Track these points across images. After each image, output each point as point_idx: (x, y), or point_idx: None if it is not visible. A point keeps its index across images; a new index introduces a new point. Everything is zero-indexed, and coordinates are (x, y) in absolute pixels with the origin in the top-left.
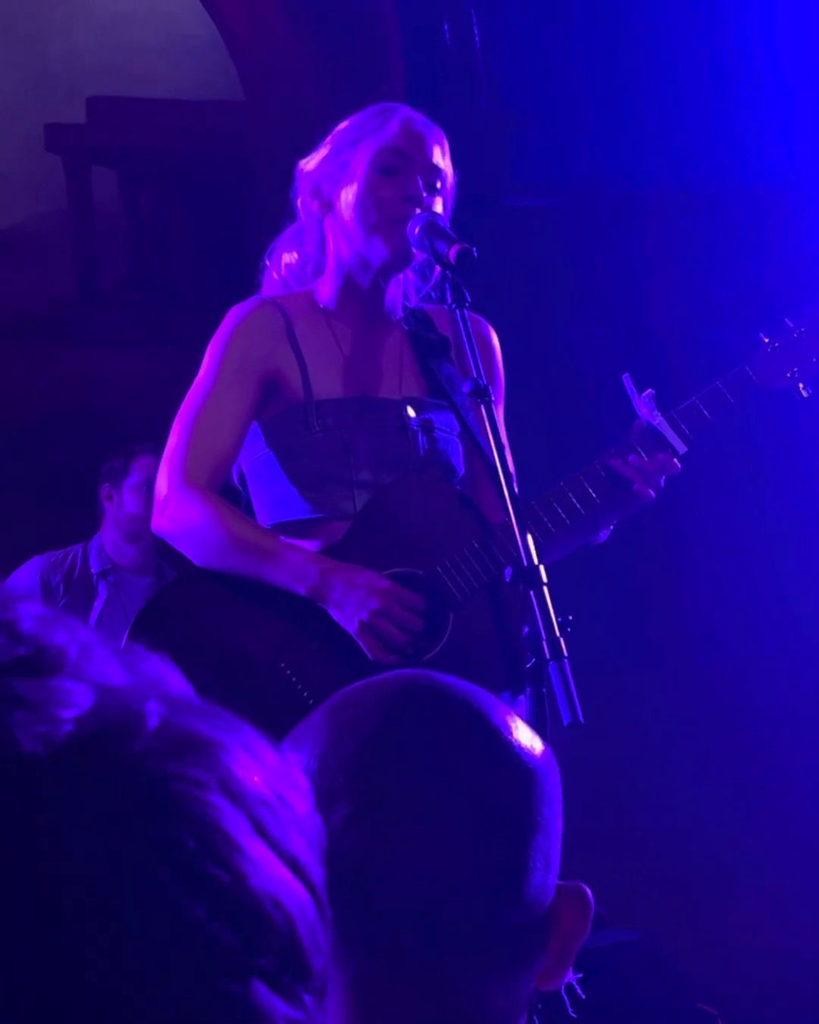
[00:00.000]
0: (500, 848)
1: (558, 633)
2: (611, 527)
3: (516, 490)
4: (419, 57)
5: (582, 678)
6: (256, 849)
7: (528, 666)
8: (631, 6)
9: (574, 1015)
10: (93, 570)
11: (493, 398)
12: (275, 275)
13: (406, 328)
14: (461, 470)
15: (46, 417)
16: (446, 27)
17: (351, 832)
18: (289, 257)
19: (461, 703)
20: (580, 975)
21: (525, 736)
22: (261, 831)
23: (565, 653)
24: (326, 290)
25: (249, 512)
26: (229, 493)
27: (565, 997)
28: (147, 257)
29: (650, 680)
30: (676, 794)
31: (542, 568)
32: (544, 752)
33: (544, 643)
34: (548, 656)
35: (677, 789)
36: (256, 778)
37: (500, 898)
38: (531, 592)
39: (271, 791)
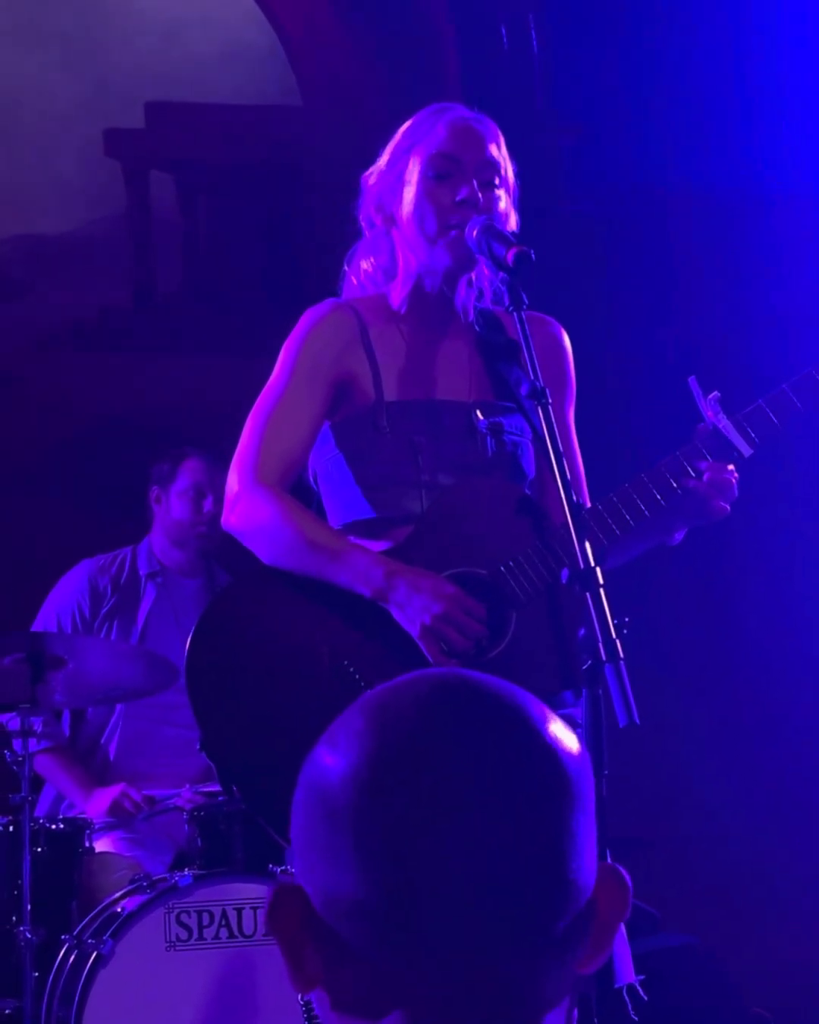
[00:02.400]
0: (542, 833)
1: (614, 635)
2: (685, 529)
3: (583, 492)
4: (476, 62)
5: (639, 682)
6: None
7: (585, 667)
8: (689, 9)
9: (635, 1018)
10: (142, 572)
11: (565, 400)
12: (354, 280)
13: (477, 331)
14: (531, 473)
15: (100, 423)
16: (503, 31)
17: (404, 827)
18: (366, 264)
19: (494, 697)
20: (643, 977)
21: (559, 728)
22: None
23: (621, 655)
24: (398, 294)
25: (321, 513)
26: (303, 493)
27: (627, 999)
28: (204, 264)
29: (707, 686)
30: (733, 800)
31: (599, 570)
32: (581, 751)
33: (600, 645)
34: (604, 658)
35: (731, 795)
36: None
37: (550, 889)
38: (587, 594)
39: None
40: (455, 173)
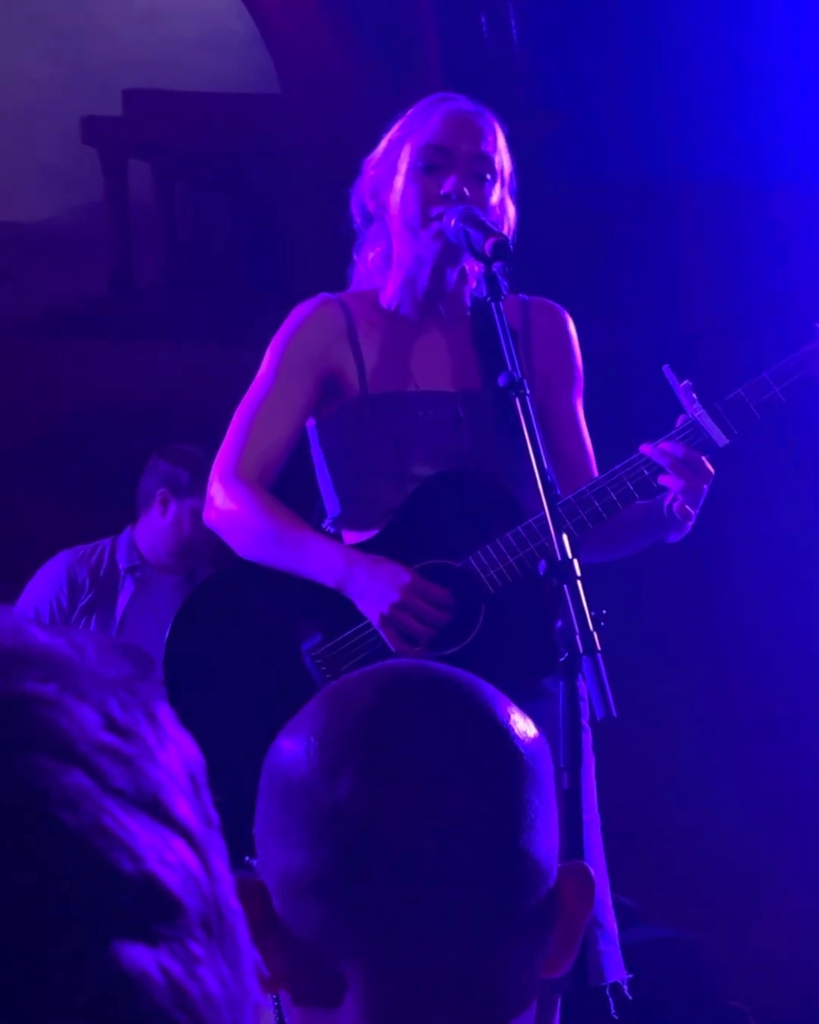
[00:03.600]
0: (494, 809)
1: (592, 627)
2: (685, 529)
3: (595, 475)
4: (456, 52)
5: (621, 677)
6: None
7: (562, 660)
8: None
9: (616, 1017)
10: (121, 566)
11: (574, 389)
12: (362, 268)
13: (473, 321)
14: (515, 465)
15: (77, 412)
16: (484, 22)
17: (355, 803)
18: (372, 253)
19: (449, 681)
20: (631, 976)
21: (514, 712)
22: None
23: (598, 647)
24: (389, 287)
25: (322, 509)
26: (282, 491)
27: (610, 997)
28: (182, 252)
29: (689, 680)
30: (712, 793)
31: (576, 562)
32: (537, 737)
33: (577, 637)
34: (581, 650)
35: (713, 788)
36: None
37: (497, 862)
38: (565, 586)
39: (113, 740)
40: (444, 165)
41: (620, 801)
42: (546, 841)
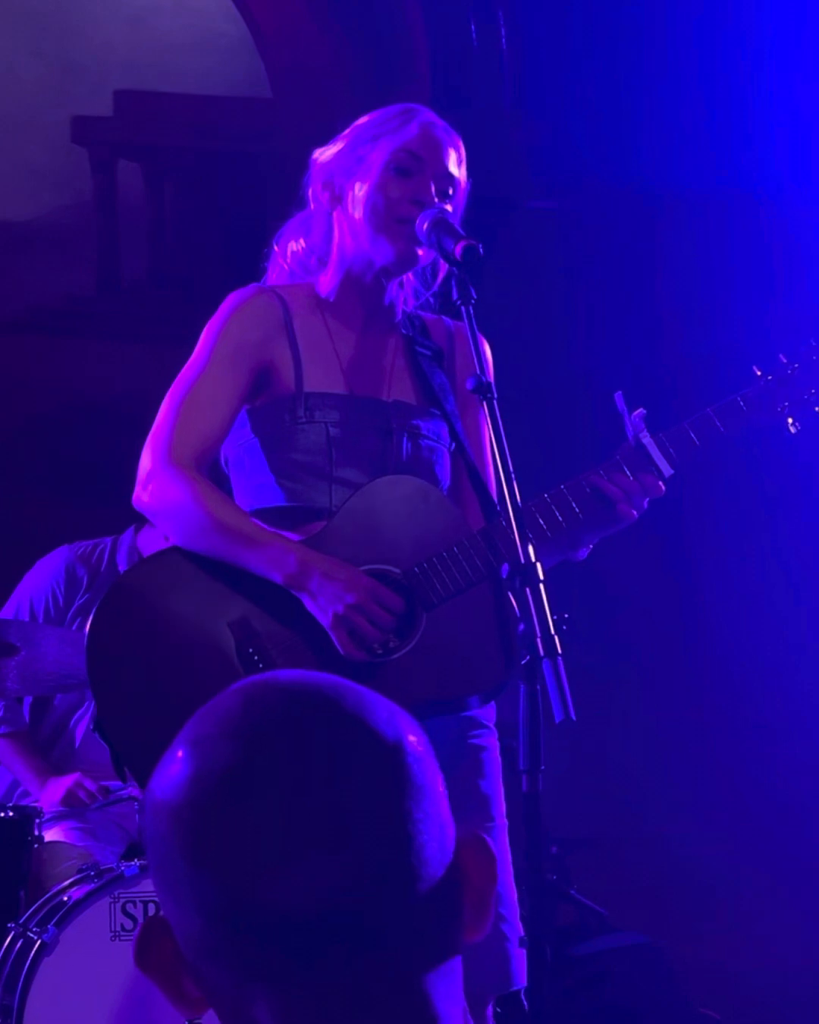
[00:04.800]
0: (380, 822)
1: (553, 631)
2: (591, 545)
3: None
4: (445, 57)
5: (592, 685)
6: None
7: (523, 662)
8: (656, 10)
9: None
10: (120, 567)
11: (482, 413)
12: (282, 262)
13: (403, 333)
14: (445, 480)
15: (63, 409)
16: (473, 28)
17: (237, 832)
18: (296, 245)
19: (308, 694)
20: (526, 985)
21: (382, 711)
22: None
23: (559, 651)
24: (327, 283)
25: (229, 497)
26: (216, 477)
27: (525, 1000)
28: (169, 253)
29: (659, 688)
30: (682, 800)
31: (539, 565)
32: (406, 721)
33: (539, 640)
34: (542, 653)
35: (683, 795)
36: None
37: (396, 869)
38: (527, 589)
39: None
40: (417, 173)
41: (592, 809)
42: (439, 827)
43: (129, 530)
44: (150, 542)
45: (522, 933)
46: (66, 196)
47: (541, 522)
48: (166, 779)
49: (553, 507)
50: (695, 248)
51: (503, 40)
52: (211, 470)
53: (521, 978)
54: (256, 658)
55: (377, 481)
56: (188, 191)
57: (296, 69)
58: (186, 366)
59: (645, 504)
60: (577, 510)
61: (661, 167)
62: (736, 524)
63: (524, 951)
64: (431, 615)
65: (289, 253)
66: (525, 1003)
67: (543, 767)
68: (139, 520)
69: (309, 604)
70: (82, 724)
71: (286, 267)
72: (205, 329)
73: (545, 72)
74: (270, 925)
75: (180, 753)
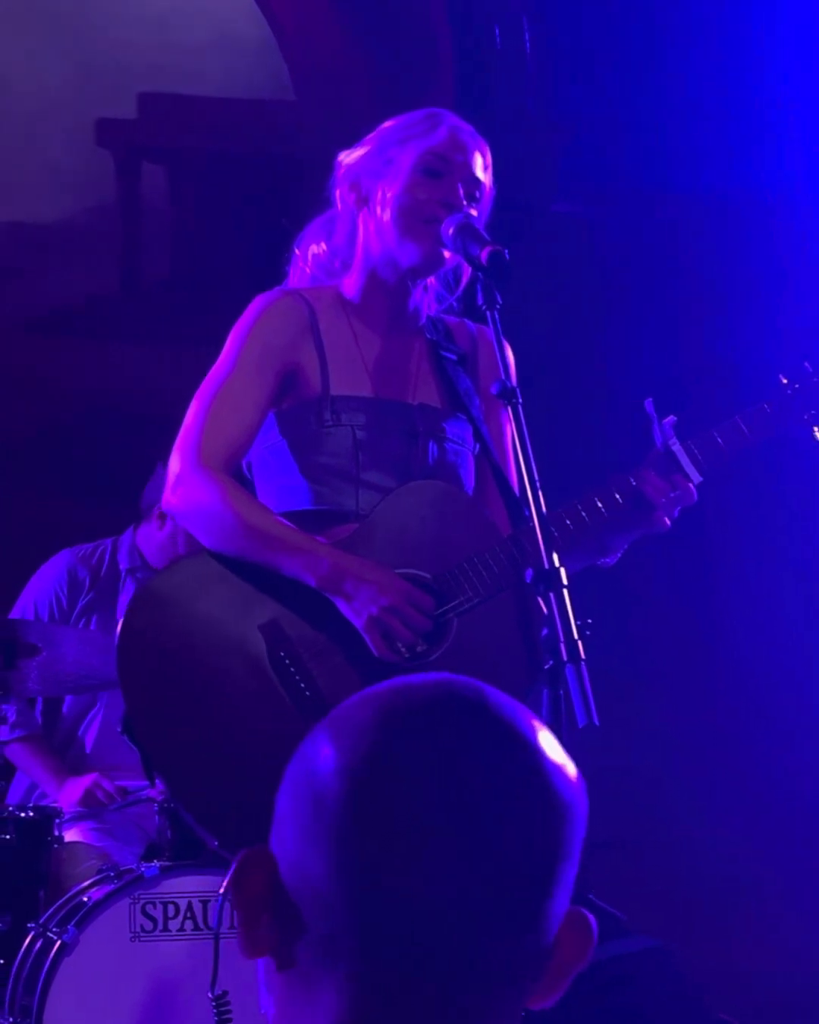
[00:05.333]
0: (527, 875)
1: (576, 636)
2: (620, 552)
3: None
4: (469, 61)
5: (610, 689)
6: None
7: (547, 667)
8: (683, 11)
9: None
10: (122, 566)
11: (505, 417)
12: (303, 264)
13: (427, 336)
14: (470, 483)
15: (84, 410)
16: (497, 31)
17: (382, 835)
18: (317, 248)
19: (510, 724)
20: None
21: (566, 765)
22: None
23: (583, 656)
24: (352, 287)
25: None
26: (238, 480)
27: None
28: (192, 255)
29: (677, 692)
30: (700, 804)
31: (563, 571)
32: (578, 780)
33: (562, 645)
34: (565, 658)
35: (701, 799)
36: None
37: (518, 923)
38: (551, 594)
39: None
40: (446, 175)
41: (608, 812)
42: (564, 900)
43: (129, 529)
44: (147, 538)
45: None
46: (89, 198)
47: (568, 523)
48: (360, 726)
49: (580, 510)
50: (719, 252)
51: (527, 43)
52: (234, 474)
53: None
54: (287, 661)
55: (407, 486)
56: (211, 193)
57: (319, 72)
58: (213, 369)
59: (676, 512)
60: (604, 512)
61: (685, 171)
62: (754, 528)
63: None
64: (462, 619)
65: (310, 256)
66: None
67: None
68: (138, 518)
69: (343, 607)
70: (93, 727)
71: (307, 270)
72: (232, 332)
73: (569, 76)
74: (397, 901)
75: (372, 711)
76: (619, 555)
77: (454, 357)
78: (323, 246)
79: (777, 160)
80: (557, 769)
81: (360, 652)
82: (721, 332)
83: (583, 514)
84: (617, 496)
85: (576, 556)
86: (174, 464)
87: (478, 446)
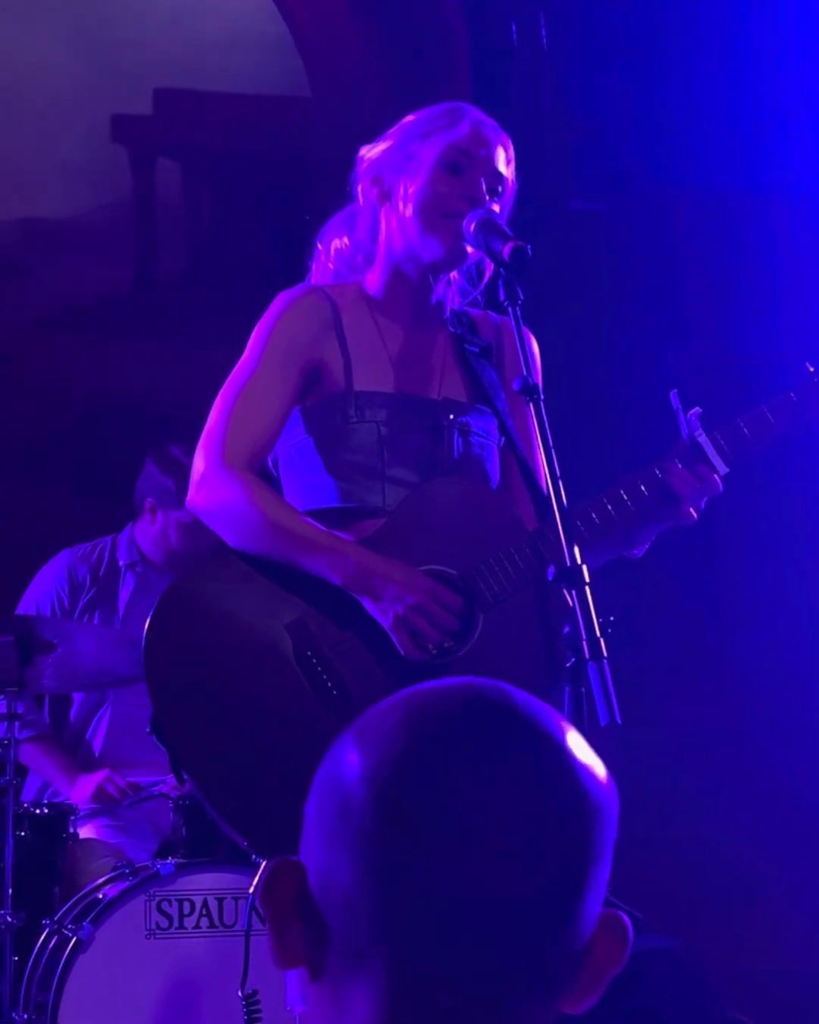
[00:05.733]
0: (559, 877)
1: (599, 633)
2: (648, 543)
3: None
4: (486, 57)
5: (623, 686)
6: None
7: (568, 666)
8: (700, 8)
9: None
10: (121, 561)
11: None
12: (325, 259)
13: (451, 330)
14: (495, 476)
15: (96, 408)
16: (514, 28)
17: (409, 840)
18: (340, 242)
19: (533, 725)
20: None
21: (595, 765)
22: None
23: (605, 654)
24: (375, 282)
25: (283, 498)
26: (264, 478)
27: None
28: (206, 252)
29: (689, 690)
30: (718, 803)
31: (585, 568)
32: (608, 780)
33: (584, 643)
34: (588, 656)
35: (719, 798)
36: None
37: (552, 926)
38: (573, 591)
39: None
40: (468, 170)
41: (624, 810)
42: (596, 904)
43: (128, 525)
44: (143, 532)
45: None
46: (105, 194)
47: (594, 517)
48: (386, 732)
49: (606, 503)
50: (737, 249)
51: (544, 40)
52: (260, 471)
53: None
54: (314, 661)
55: (431, 481)
56: (226, 190)
57: (335, 68)
58: (237, 367)
59: (702, 503)
60: (630, 505)
61: (703, 167)
62: (766, 526)
63: None
64: (488, 616)
65: (333, 251)
66: None
67: None
68: (134, 514)
69: (369, 606)
70: (102, 724)
71: (330, 266)
72: (255, 329)
73: (586, 73)
74: (430, 901)
75: (398, 717)
76: (647, 547)
77: (478, 350)
78: (345, 240)
79: (798, 157)
80: (586, 770)
81: (387, 651)
82: (739, 328)
83: (609, 507)
84: (643, 488)
85: (603, 548)
86: (198, 463)
87: (503, 439)
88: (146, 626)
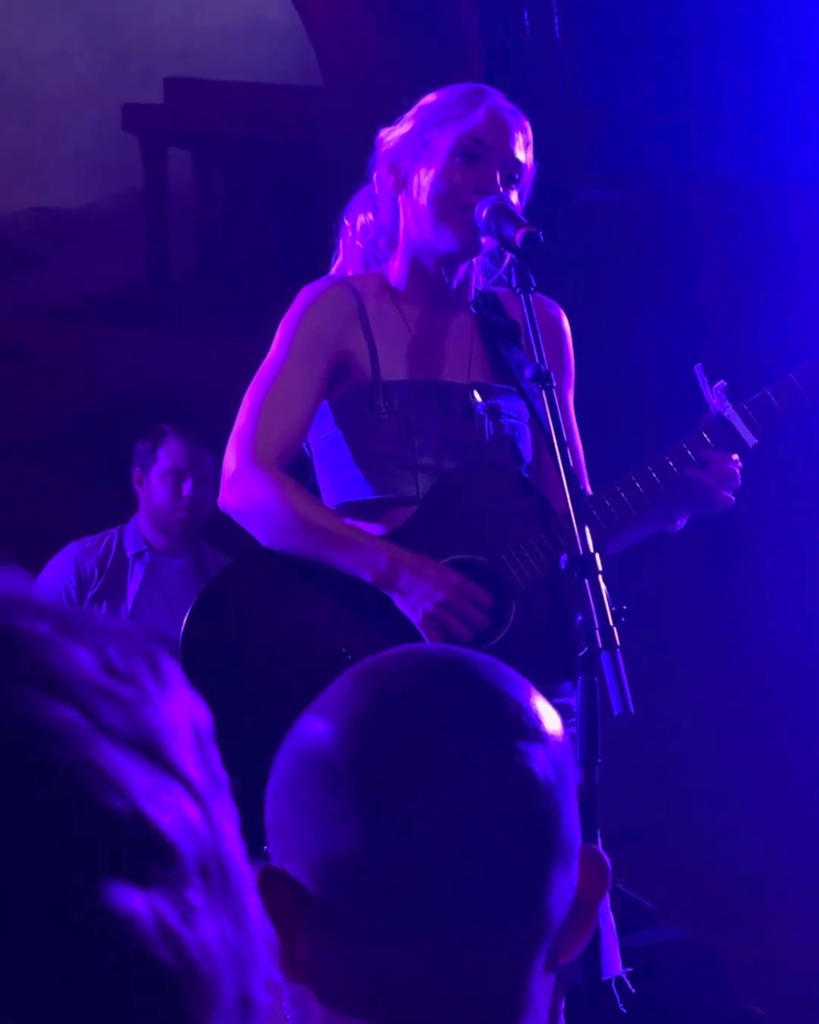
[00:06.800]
0: (529, 808)
1: (611, 622)
2: (687, 517)
3: (583, 478)
4: (498, 46)
5: (637, 676)
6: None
7: (581, 655)
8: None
9: (624, 1010)
10: (128, 552)
11: (564, 383)
12: (352, 236)
13: (475, 312)
14: (528, 456)
15: (107, 398)
16: (526, 17)
17: (396, 784)
18: (365, 218)
19: (485, 679)
20: (630, 969)
21: (543, 707)
22: (93, 719)
23: (618, 642)
24: (396, 271)
25: (316, 492)
26: (300, 469)
27: (615, 992)
28: (218, 241)
29: (704, 679)
30: (731, 794)
31: (598, 557)
32: (562, 729)
33: (597, 632)
34: (600, 645)
35: (732, 789)
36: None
37: (542, 856)
38: (585, 580)
39: (110, 682)
40: (483, 159)
41: (636, 800)
42: (576, 826)
43: (134, 516)
44: (142, 513)
45: (609, 923)
46: (116, 184)
47: (626, 499)
48: (344, 698)
49: (637, 484)
50: (750, 238)
51: (556, 29)
52: (297, 461)
53: (608, 969)
54: (349, 658)
55: (459, 468)
56: (238, 179)
57: (347, 57)
58: (264, 364)
59: (737, 479)
60: (662, 486)
61: (716, 157)
62: (786, 514)
63: (613, 941)
64: (521, 602)
65: (359, 227)
66: (616, 995)
67: (600, 760)
68: (135, 504)
69: (399, 602)
70: None
71: (358, 244)
72: (281, 325)
73: (599, 62)
74: (417, 860)
75: (349, 683)
76: (685, 521)
77: (504, 330)
78: (370, 216)
79: (811, 146)
80: (537, 714)
81: None
82: (753, 318)
83: (641, 491)
84: (673, 468)
85: (641, 524)
86: (228, 463)
87: (534, 418)
88: (182, 628)
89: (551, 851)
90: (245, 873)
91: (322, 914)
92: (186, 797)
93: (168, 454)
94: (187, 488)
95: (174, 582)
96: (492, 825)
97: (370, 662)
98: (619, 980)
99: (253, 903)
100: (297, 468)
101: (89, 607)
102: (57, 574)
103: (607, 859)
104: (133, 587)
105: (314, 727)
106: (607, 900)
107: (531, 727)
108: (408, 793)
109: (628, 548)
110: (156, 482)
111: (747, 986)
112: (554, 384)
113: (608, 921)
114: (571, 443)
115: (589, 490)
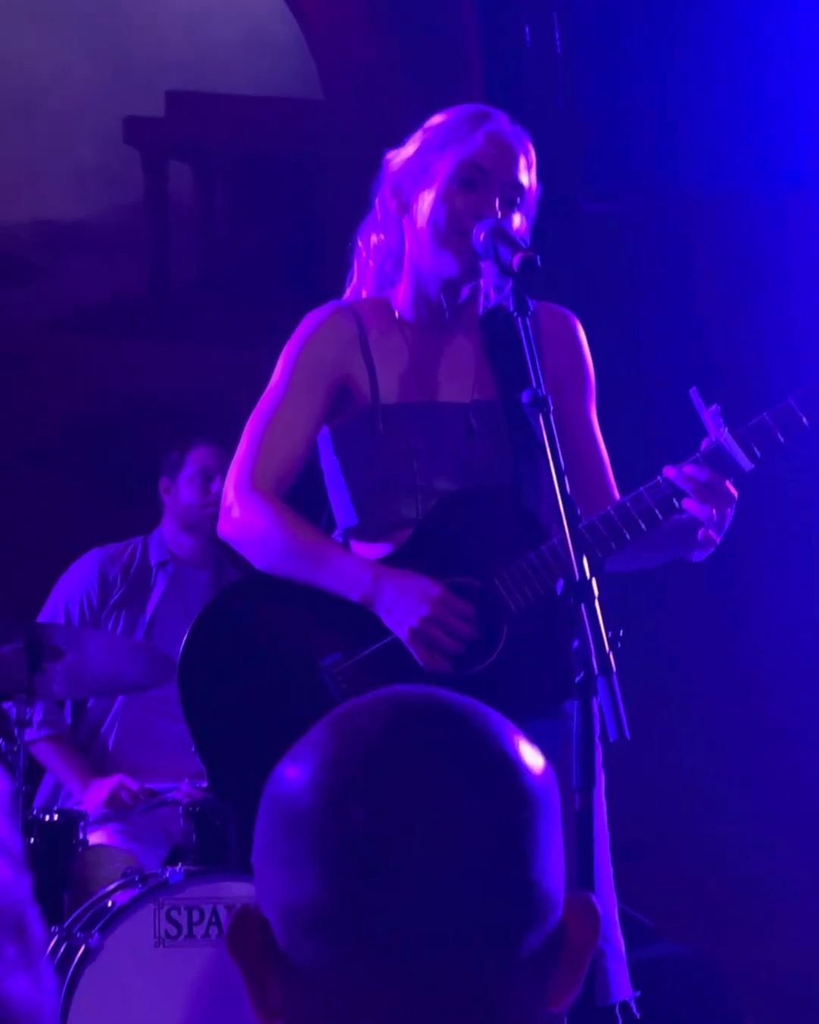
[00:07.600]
0: (504, 846)
1: (608, 648)
2: (710, 549)
3: (611, 486)
4: (499, 59)
5: (635, 690)
6: None
7: (577, 680)
8: (712, 10)
9: None
10: (152, 561)
11: (586, 395)
12: (366, 256)
13: (483, 329)
14: (530, 475)
15: (109, 410)
16: (527, 30)
17: (365, 835)
18: (377, 238)
19: (456, 712)
20: (638, 993)
21: (521, 743)
22: None
23: (614, 668)
24: (400, 296)
25: (331, 518)
26: (297, 500)
27: (619, 1016)
28: (219, 254)
29: (703, 695)
30: (729, 809)
31: (594, 582)
32: (546, 769)
33: (593, 657)
34: (596, 671)
35: (730, 804)
36: None
37: (506, 897)
38: (582, 605)
39: None
40: (482, 185)
41: (636, 817)
42: (555, 873)
43: (157, 528)
44: (169, 530)
45: (616, 946)
46: (117, 196)
47: (621, 526)
48: (316, 743)
49: (631, 510)
50: (750, 251)
51: (557, 42)
52: (288, 494)
53: (615, 992)
54: (341, 679)
55: (456, 492)
56: (239, 192)
57: (348, 70)
58: (265, 392)
59: (725, 516)
60: (657, 513)
61: (716, 169)
62: (788, 530)
63: (620, 965)
64: (513, 625)
65: (372, 246)
66: (619, 1019)
67: (598, 785)
68: (160, 514)
69: (386, 619)
70: (114, 727)
71: (372, 264)
72: (283, 351)
73: (599, 74)
74: (394, 892)
75: (324, 728)
76: (708, 553)
77: (515, 347)
78: (382, 237)
79: (810, 157)
80: (509, 745)
81: (410, 665)
82: (751, 329)
83: (639, 521)
84: (673, 500)
85: (659, 551)
86: (227, 491)
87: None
88: (180, 649)
89: (522, 897)
90: (41, 935)
91: (289, 960)
92: (5, 858)
93: (196, 459)
94: (215, 486)
95: (195, 595)
96: (457, 873)
97: (344, 707)
98: (624, 1005)
99: (46, 965)
100: (303, 498)
101: (108, 616)
102: (80, 579)
103: (603, 896)
104: (155, 597)
105: (286, 773)
106: (616, 921)
107: (505, 772)
108: (369, 841)
109: (649, 570)
110: (184, 485)
111: (750, 1002)
112: (569, 397)
113: (617, 943)
114: (597, 453)
115: (616, 497)
